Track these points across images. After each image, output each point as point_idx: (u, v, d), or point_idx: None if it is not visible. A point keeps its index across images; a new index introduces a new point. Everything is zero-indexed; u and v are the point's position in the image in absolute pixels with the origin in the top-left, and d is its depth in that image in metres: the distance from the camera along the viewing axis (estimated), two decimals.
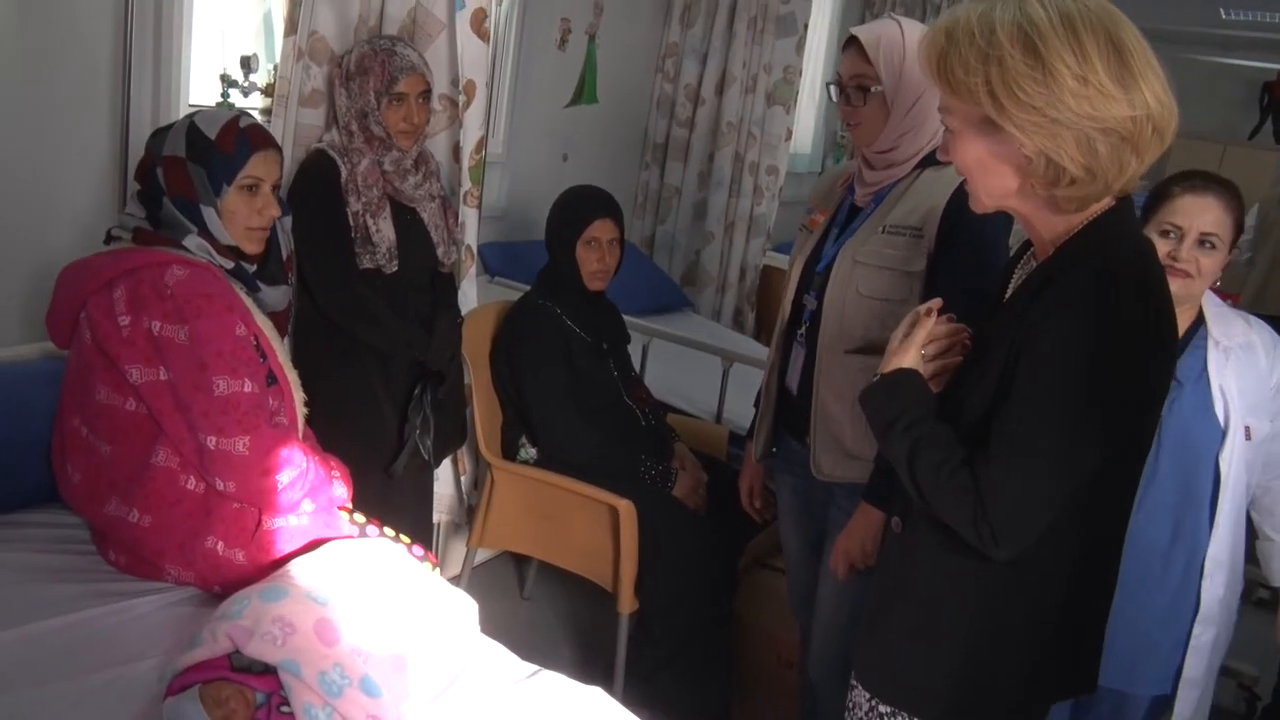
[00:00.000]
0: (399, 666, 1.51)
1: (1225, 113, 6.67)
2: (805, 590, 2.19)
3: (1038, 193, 1.21)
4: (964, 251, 1.83)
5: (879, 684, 1.38)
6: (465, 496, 2.85)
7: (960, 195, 1.82)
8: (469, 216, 2.62)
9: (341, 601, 1.54)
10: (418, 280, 2.41)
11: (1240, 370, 1.85)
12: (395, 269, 2.30)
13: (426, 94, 2.31)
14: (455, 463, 2.78)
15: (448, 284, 2.53)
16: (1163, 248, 1.77)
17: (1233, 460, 1.83)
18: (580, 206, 2.62)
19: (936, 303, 1.37)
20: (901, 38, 1.86)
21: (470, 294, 2.70)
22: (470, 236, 2.64)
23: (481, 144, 2.60)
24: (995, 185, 1.24)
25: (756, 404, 2.25)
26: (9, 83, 2.14)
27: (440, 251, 2.44)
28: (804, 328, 2.00)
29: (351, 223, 2.25)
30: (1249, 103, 6.76)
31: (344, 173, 2.24)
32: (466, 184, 2.59)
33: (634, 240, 4.47)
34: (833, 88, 1.96)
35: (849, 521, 1.91)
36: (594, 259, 2.58)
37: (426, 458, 2.44)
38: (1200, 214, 1.81)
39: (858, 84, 1.90)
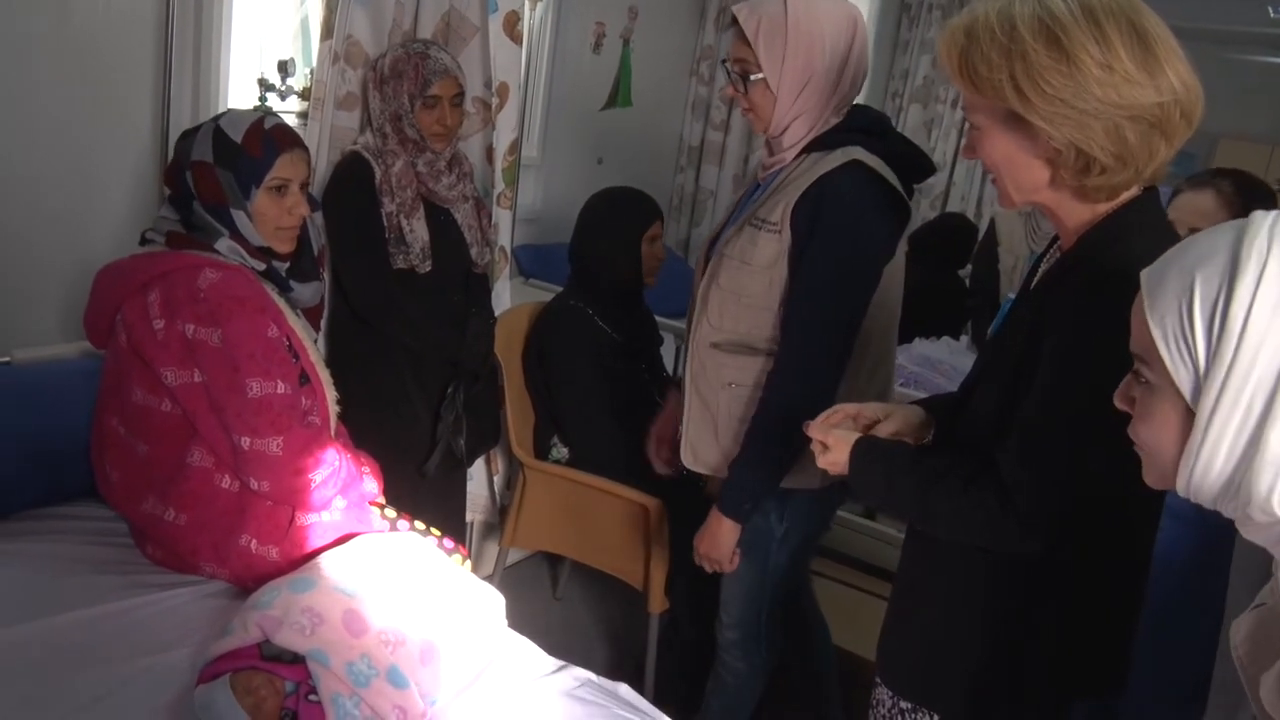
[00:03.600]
0: (426, 658, 1.52)
1: (1275, 114, 6.52)
2: None
3: (1067, 183, 1.20)
4: (826, 254, 1.72)
5: (900, 681, 1.38)
6: (498, 496, 2.86)
7: (816, 190, 1.72)
8: (502, 218, 2.64)
9: (369, 593, 1.55)
10: (452, 281, 2.43)
11: None
12: (429, 269, 2.32)
13: (459, 96, 2.33)
14: (488, 462, 2.80)
15: (481, 284, 2.55)
16: None
17: None
18: (642, 204, 2.62)
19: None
20: (784, 15, 1.70)
21: (504, 295, 2.72)
22: (504, 238, 2.66)
23: (515, 146, 2.62)
24: (1025, 180, 1.23)
25: None
26: (50, 86, 2.18)
27: (474, 252, 2.45)
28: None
29: (386, 223, 2.27)
30: None
31: (378, 174, 2.27)
32: (500, 185, 2.61)
33: (669, 243, 4.46)
34: (723, 66, 1.84)
35: (705, 522, 1.90)
36: (655, 256, 2.60)
37: (460, 457, 2.46)
38: (1190, 210, 1.75)
39: (740, 70, 1.76)
